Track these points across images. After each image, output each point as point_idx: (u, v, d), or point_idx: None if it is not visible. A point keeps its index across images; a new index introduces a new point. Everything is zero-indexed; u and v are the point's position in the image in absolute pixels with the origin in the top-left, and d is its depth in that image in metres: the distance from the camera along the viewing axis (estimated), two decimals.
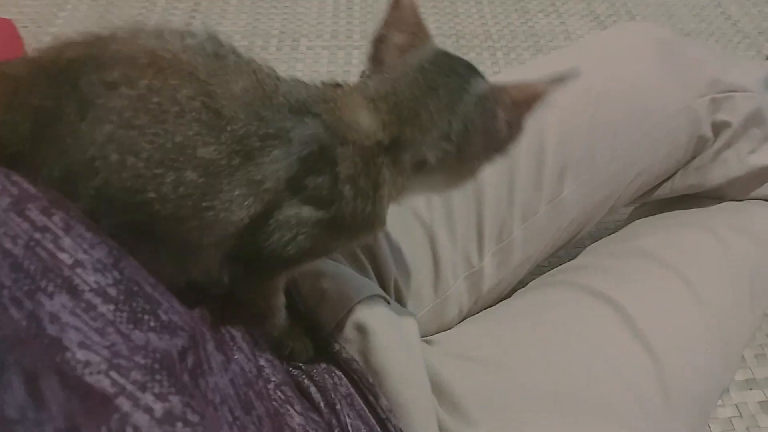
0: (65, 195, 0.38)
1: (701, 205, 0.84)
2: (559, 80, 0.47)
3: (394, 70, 0.48)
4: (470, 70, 0.49)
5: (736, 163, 0.80)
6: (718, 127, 0.79)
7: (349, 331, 0.57)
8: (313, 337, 0.57)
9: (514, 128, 0.49)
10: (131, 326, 0.32)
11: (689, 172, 0.82)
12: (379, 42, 0.50)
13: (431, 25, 1.70)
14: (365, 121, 0.46)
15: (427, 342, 0.66)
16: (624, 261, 0.76)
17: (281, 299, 0.54)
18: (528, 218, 0.73)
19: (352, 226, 0.47)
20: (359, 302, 0.58)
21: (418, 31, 0.50)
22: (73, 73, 0.40)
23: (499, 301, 0.77)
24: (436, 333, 0.72)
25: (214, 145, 0.40)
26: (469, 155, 0.49)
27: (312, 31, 1.66)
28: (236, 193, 0.42)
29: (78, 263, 0.32)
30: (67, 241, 0.33)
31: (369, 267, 0.66)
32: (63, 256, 0.32)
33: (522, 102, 0.47)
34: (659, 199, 0.85)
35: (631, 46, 0.79)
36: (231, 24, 1.66)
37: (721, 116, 0.78)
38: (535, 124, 0.70)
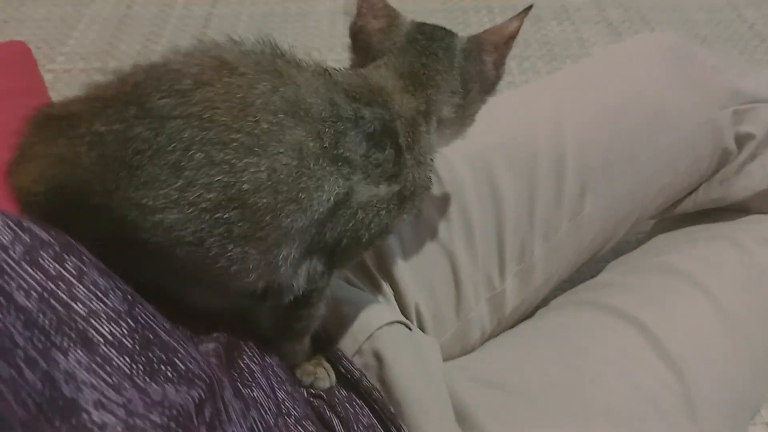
0: (143, 214, 0.39)
1: (725, 218, 0.82)
2: (522, 14, 0.53)
3: (387, 49, 0.54)
4: (447, 31, 0.56)
5: (762, 175, 0.78)
6: (741, 139, 0.77)
7: (369, 358, 0.56)
8: (334, 365, 0.56)
9: (499, 68, 0.56)
10: (147, 378, 0.31)
11: (713, 186, 0.80)
12: (358, 33, 0.55)
13: None
14: (401, 95, 0.51)
15: (450, 366, 0.64)
16: (647, 278, 0.74)
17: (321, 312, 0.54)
18: (549, 237, 0.71)
19: (415, 193, 0.52)
20: (379, 329, 0.57)
21: (390, 13, 0.55)
22: (139, 97, 0.41)
23: (522, 320, 0.76)
24: (460, 356, 0.71)
25: (301, 129, 0.43)
26: (470, 102, 0.55)
27: (324, 44, 1.65)
28: (327, 170, 0.44)
29: (92, 313, 0.32)
30: (80, 290, 0.32)
31: (390, 293, 0.65)
32: (77, 307, 0.31)
33: (500, 43, 0.54)
34: (683, 213, 0.83)
35: (646, 57, 0.78)
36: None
37: (745, 128, 0.76)
38: (553, 140, 0.69)
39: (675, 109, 0.74)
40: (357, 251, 0.52)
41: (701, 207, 0.82)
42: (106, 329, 0.32)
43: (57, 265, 0.32)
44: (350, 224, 0.47)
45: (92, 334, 0.31)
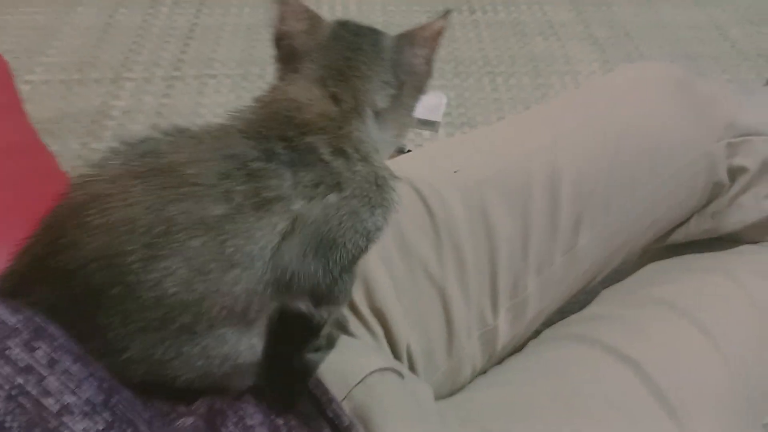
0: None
1: (716, 247, 0.81)
2: (447, 13, 0.53)
3: (312, 49, 0.51)
4: (373, 28, 0.54)
5: (754, 207, 0.77)
6: (734, 172, 0.76)
7: (358, 405, 0.54)
8: (321, 409, 0.54)
9: (429, 63, 0.54)
10: None
11: (704, 218, 0.80)
12: (281, 39, 0.53)
13: None
14: (319, 103, 0.49)
15: (442, 410, 0.62)
16: (639, 311, 0.73)
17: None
18: (543, 271, 0.70)
19: (374, 192, 0.48)
20: (370, 374, 0.55)
21: (311, 15, 0.54)
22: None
23: (511, 353, 0.75)
24: (449, 395, 0.69)
25: (192, 204, 0.40)
26: (405, 96, 0.54)
27: None
28: (250, 222, 0.41)
29: (64, 409, 0.29)
30: (52, 382, 0.29)
31: (381, 333, 0.63)
32: (48, 402, 0.29)
33: (430, 38, 0.53)
34: (673, 243, 0.83)
35: (647, 87, 0.77)
36: (226, 51, 1.64)
37: (738, 161, 0.75)
38: (548, 172, 0.68)
39: (675, 142, 0.74)
40: (345, 262, 0.47)
41: (692, 238, 0.81)
42: (80, 426, 0.29)
43: (26, 355, 0.30)
44: (318, 236, 0.44)
45: None
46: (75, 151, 1.31)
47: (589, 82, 0.87)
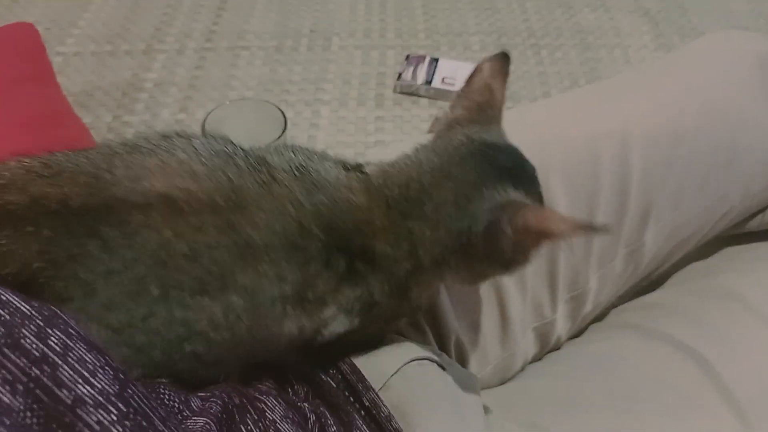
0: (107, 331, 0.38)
1: None
2: (584, 227, 0.41)
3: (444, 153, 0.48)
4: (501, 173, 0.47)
5: None
6: None
7: (396, 395, 0.50)
8: (358, 397, 0.50)
9: (519, 253, 0.45)
10: None
11: None
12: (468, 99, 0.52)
13: (471, 21, 1.61)
14: (381, 237, 0.45)
15: (488, 402, 0.58)
16: (708, 302, 0.67)
17: None
18: (604, 265, 0.64)
19: (395, 315, 0.50)
20: (408, 363, 0.52)
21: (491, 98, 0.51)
22: (90, 220, 0.39)
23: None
24: (497, 385, 0.65)
25: (251, 272, 0.41)
26: (472, 261, 0.47)
27: (344, 29, 1.58)
28: (287, 311, 0.42)
29: (78, 400, 0.27)
30: (65, 372, 0.27)
31: (426, 327, 0.59)
32: (63, 394, 0.27)
33: (534, 231, 0.42)
34: (748, 232, 0.76)
35: (731, 65, 0.69)
36: (259, 23, 1.59)
37: None
38: (619, 160, 0.62)
39: (757, 129, 0.66)
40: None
41: None
42: (94, 418, 0.27)
43: (40, 344, 0.28)
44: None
45: (80, 427, 0.26)
46: (107, 124, 1.29)
47: (667, 56, 0.79)
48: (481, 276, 0.50)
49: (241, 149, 0.44)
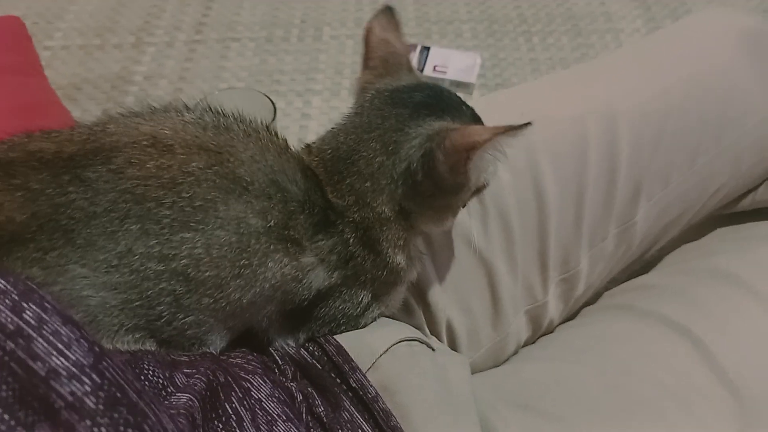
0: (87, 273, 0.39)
1: None
2: (505, 130, 0.43)
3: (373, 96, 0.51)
4: (426, 102, 0.48)
5: None
6: None
7: (384, 376, 0.50)
8: (344, 377, 0.50)
9: (457, 173, 0.46)
10: None
11: None
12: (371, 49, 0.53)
13: (462, 9, 1.60)
14: (331, 193, 0.48)
15: (480, 384, 0.58)
16: (700, 281, 0.67)
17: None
18: (595, 244, 0.64)
19: (375, 278, 0.50)
20: (397, 344, 0.52)
21: (393, 48, 0.52)
22: (74, 167, 0.41)
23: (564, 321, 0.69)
24: (490, 368, 0.65)
25: (239, 205, 0.42)
26: (425, 197, 0.48)
27: (335, 19, 1.57)
28: (271, 248, 0.44)
29: (52, 372, 0.27)
30: (39, 344, 0.27)
31: (417, 307, 0.58)
32: (37, 366, 0.27)
33: (462, 148, 0.44)
34: (739, 211, 0.76)
35: (715, 40, 0.69)
36: (249, 14, 1.58)
37: None
38: (606, 136, 0.61)
39: (744, 103, 0.66)
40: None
41: (761, 205, 0.74)
42: (67, 389, 0.27)
43: (15, 317, 0.27)
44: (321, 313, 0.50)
45: (54, 399, 0.26)
46: (95, 118, 1.27)
47: (654, 33, 0.78)
48: (443, 209, 0.51)
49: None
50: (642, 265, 0.75)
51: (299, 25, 1.55)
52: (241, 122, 0.46)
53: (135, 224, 0.40)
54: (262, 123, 0.48)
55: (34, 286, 0.29)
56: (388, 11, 0.55)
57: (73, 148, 0.42)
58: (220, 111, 0.47)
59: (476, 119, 0.51)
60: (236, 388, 0.41)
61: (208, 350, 0.46)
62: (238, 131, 0.45)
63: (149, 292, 0.41)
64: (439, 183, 0.46)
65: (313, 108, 1.32)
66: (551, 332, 0.69)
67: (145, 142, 0.42)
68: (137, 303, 0.41)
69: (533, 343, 0.69)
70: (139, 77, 1.38)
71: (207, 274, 0.41)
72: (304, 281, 0.46)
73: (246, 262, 0.42)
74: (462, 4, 1.62)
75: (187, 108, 0.46)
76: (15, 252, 0.39)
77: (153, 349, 0.43)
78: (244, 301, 0.44)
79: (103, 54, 1.44)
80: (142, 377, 0.37)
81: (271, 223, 0.43)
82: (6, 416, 0.25)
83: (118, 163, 0.41)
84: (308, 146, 0.51)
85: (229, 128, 0.45)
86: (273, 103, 0.92)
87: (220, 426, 0.38)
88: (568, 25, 1.54)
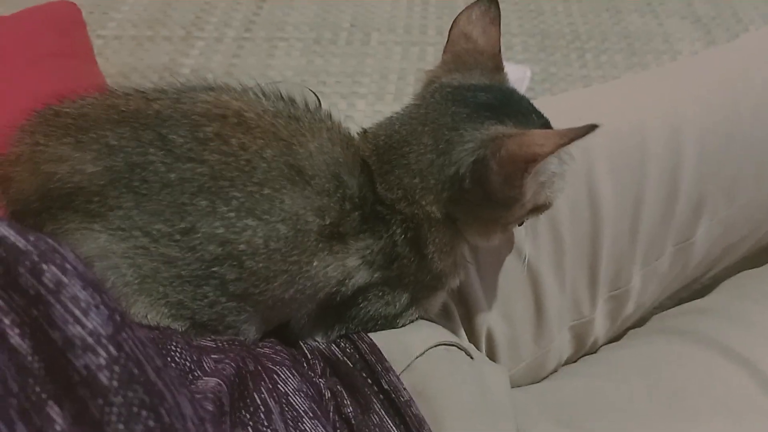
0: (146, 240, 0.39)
1: None
2: (567, 136, 0.38)
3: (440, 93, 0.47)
4: (490, 104, 0.45)
5: None
6: None
7: (418, 379, 0.46)
8: (375, 378, 0.47)
9: (511, 186, 0.42)
10: (122, 426, 0.24)
11: None
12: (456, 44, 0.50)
13: (513, 22, 1.57)
14: (380, 183, 0.46)
15: (519, 396, 0.54)
16: (760, 306, 0.62)
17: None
18: (650, 262, 0.60)
19: (418, 280, 0.48)
20: (434, 347, 0.48)
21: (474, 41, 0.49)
22: (159, 126, 0.40)
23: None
24: (529, 384, 0.61)
25: (300, 200, 0.41)
26: (473, 207, 0.45)
27: (384, 24, 1.55)
28: (319, 246, 0.42)
29: (67, 342, 0.24)
30: (57, 310, 0.25)
31: (456, 313, 0.55)
32: (55, 336, 0.24)
33: (519, 159, 0.40)
34: None
35: None
36: (299, 15, 1.58)
37: None
38: (669, 146, 0.58)
39: None
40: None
41: None
42: (82, 362, 0.24)
43: (35, 281, 0.25)
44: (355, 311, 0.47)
45: (71, 373, 0.24)
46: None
47: (733, 42, 0.74)
48: (491, 223, 0.47)
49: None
50: (690, 293, 0.71)
51: (348, 29, 1.54)
52: (309, 111, 0.46)
53: (205, 200, 0.39)
54: (328, 113, 0.47)
55: (56, 245, 0.27)
56: (488, 3, 0.51)
57: (161, 105, 0.41)
58: (291, 99, 0.46)
59: (547, 124, 0.47)
60: (266, 378, 0.39)
61: (238, 338, 0.44)
62: (306, 121, 0.44)
63: (199, 272, 0.40)
64: (490, 194, 0.43)
65: (357, 111, 1.30)
66: (594, 353, 0.65)
67: (234, 120, 0.41)
68: (187, 280, 0.40)
69: (574, 362, 0.65)
70: (186, 70, 1.38)
71: (260, 265, 0.41)
72: (348, 283, 0.45)
73: (296, 259, 0.42)
74: (514, 18, 1.59)
75: (264, 93, 0.45)
76: (74, 202, 0.39)
77: (183, 329, 0.41)
78: (286, 296, 0.43)
79: (153, 45, 1.45)
80: (169, 358, 0.35)
81: (327, 222, 0.42)
82: (33, 385, 0.24)
83: (206, 133, 0.40)
84: (365, 132, 0.49)
85: (299, 118, 0.44)
86: (318, 99, 0.90)
87: (248, 416, 0.35)
88: (623, 44, 1.50)
